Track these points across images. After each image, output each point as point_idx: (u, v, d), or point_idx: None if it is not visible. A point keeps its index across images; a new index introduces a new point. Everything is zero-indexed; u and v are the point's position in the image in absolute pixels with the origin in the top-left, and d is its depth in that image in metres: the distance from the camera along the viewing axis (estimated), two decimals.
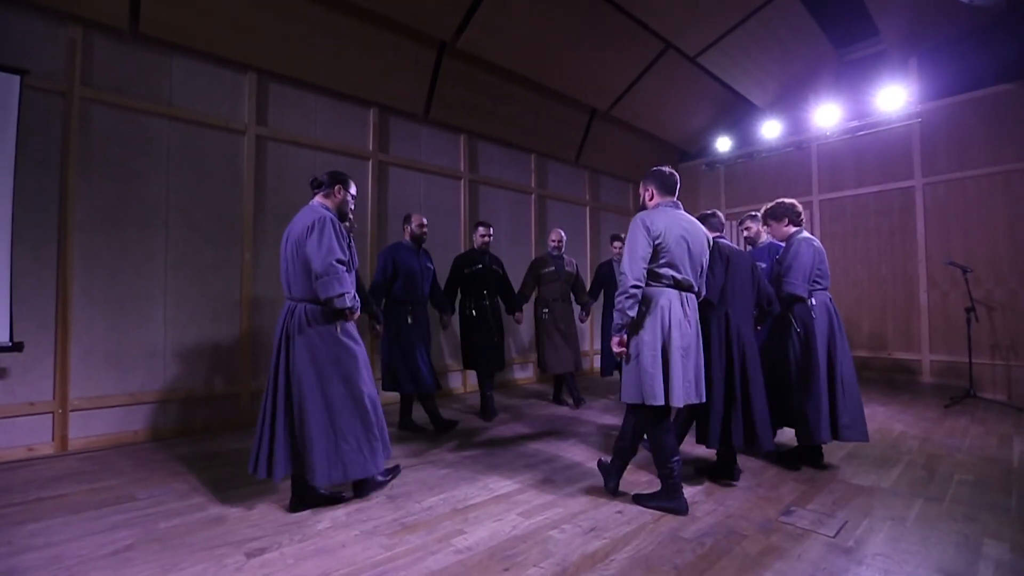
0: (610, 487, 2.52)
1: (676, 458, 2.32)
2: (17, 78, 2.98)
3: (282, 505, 2.36)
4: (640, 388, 2.25)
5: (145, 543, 2.00)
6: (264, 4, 3.88)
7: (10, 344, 2.95)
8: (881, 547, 1.96)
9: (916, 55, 5.90)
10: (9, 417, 3.10)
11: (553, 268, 4.57)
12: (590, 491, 2.57)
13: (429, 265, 3.78)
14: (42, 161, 3.25)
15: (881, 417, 4.13)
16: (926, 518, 2.22)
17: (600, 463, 2.67)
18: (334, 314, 2.29)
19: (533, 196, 6.35)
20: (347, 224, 2.61)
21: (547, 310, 4.51)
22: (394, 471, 2.72)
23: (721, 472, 2.75)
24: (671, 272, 2.29)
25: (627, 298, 2.23)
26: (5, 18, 3.13)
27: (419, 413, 4.02)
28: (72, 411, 3.29)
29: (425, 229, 3.76)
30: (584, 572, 1.79)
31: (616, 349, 2.33)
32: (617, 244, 4.94)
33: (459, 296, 4.23)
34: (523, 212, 6.26)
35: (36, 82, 3.17)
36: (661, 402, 2.22)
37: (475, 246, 4.29)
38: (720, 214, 3.00)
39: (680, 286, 2.32)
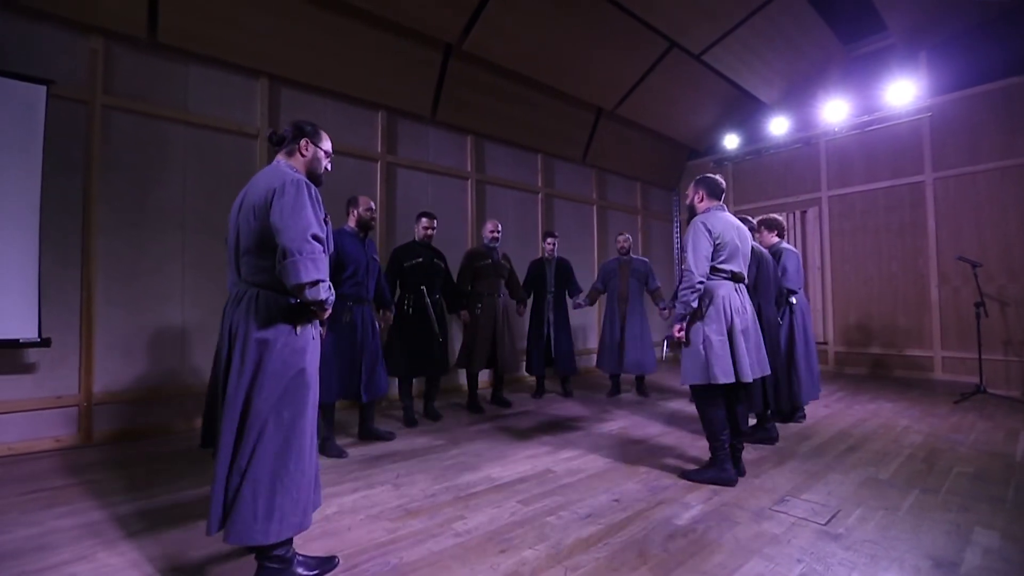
0: (723, 479, 2.57)
1: (726, 432, 2.59)
2: (44, 88, 3.15)
3: None
4: (708, 370, 2.51)
5: (166, 525, 2.12)
6: (275, 10, 4.01)
7: (39, 340, 3.12)
8: (871, 534, 2.00)
9: (925, 49, 5.85)
10: (39, 410, 3.27)
11: (490, 261, 4.35)
12: (589, 480, 2.64)
13: (375, 256, 3.39)
14: (67, 166, 3.41)
15: (887, 413, 4.12)
16: (920, 508, 2.25)
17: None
18: (299, 309, 1.70)
19: (540, 195, 6.42)
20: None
21: (480, 305, 4.26)
22: (330, 562, 1.79)
23: (759, 436, 3.24)
24: (729, 267, 2.61)
25: (692, 292, 2.53)
26: (32, 31, 3.30)
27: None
28: (96, 404, 3.45)
29: (374, 214, 3.37)
30: (578, 554, 1.87)
31: (676, 335, 2.63)
32: (550, 240, 4.90)
33: (397, 291, 3.95)
34: (530, 211, 6.33)
35: (61, 91, 3.33)
36: (730, 379, 2.49)
37: (416, 238, 4.00)
38: (751, 220, 3.51)
39: (735, 278, 2.64)
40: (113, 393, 3.52)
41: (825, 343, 6.65)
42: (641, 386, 5.06)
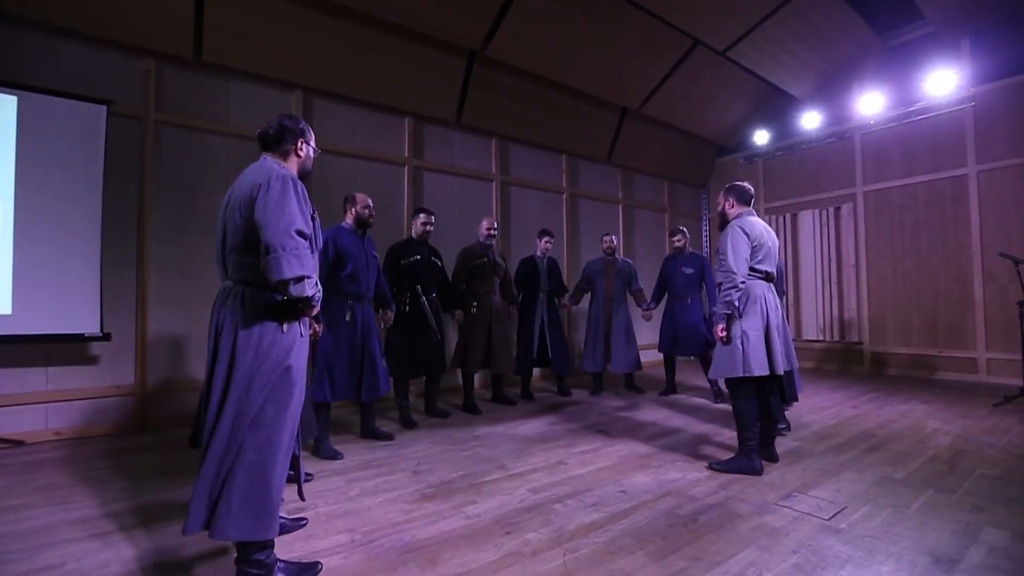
0: (750, 469, 2.69)
1: (757, 425, 2.73)
2: (104, 108, 3.49)
3: (324, 471, 2.68)
4: (745, 364, 2.65)
5: None
6: (308, 26, 4.26)
7: (101, 335, 3.46)
8: (874, 530, 2.01)
9: (969, 35, 5.60)
10: (101, 398, 3.62)
11: (485, 259, 4.27)
12: (599, 472, 2.73)
13: (374, 254, 3.31)
14: (124, 178, 3.75)
15: (918, 414, 4.01)
16: (932, 507, 2.23)
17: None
18: (285, 306, 1.69)
19: (564, 196, 6.50)
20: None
21: (476, 304, 4.22)
22: (312, 568, 1.75)
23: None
24: (764, 267, 2.78)
25: (736, 291, 2.69)
26: (95, 57, 3.66)
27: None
28: (149, 394, 3.78)
29: (372, 211, 3.25)
30: (578, 538, 1.97)
31: (720, 335, 2.73)
32: (547, 239, 4.79)
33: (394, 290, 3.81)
34: (554, 211, 6.42)
35: (119, 110, 3.67)
36: (765, 372, 2.65)
37: (413, 234, 3.90)
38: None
39: (769, 278, 2.82)
40: (164, 383, 3.85)
41: (860, 343, 6.45)
42: (631, 383, 5.13)
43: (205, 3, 3.82)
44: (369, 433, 3.43)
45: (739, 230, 2.77)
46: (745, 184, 2.94)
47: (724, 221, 2.94)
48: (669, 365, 4.99)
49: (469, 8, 4.57)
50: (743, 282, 2.69)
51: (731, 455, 2.86)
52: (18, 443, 3.28)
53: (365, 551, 1.88)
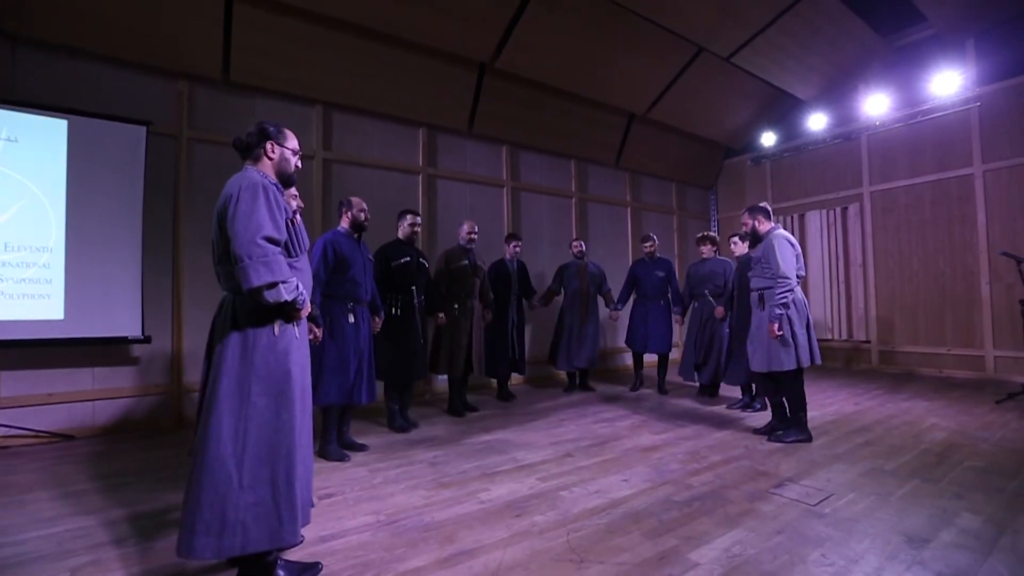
0: (805, 437, 3.27)
1: (806, 402, 3.29)
2: (144, 128, 3.77)
3: (348, 463, 2.91)
4: (796, 356, 3.15)
5: None
6: (327, 45, 4.52)
7: (142, 337, 3.74)
8: (855, 515, 2.17)
9: (972, 37, 5.66)
10: (141, 396, 3.91)
11: (466, 262, 4.23)
12: (604, 464, 2.92)
13: (370, 257, 3.31)
14: (161, 191, 4.04)
15: (918, 411, 4.12)
16: (914, 495, 2.38)
17: (774, 431, 3.44)
18: (272, 312, 1.68)
19: (574, 200, 6.68)
20: (296, 202, 2.33)
21: (457, 306, 4.16)
22: (312, 568, 1.75)
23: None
24: (801, 273, 3.29)
25: (791, 293, 3.16)
26: (134, 80, 3.96)
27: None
28: (185, 392, 4.06)
29: (367, 215, 3.26)
30: (581, 520, 2.17)
31: (777, 333, 3.14)
32: (515, 243, 4.88)
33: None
34: (564, 215, 6.61)
35: (156, 129, 3.96)
36: (808, 364, 3.18)
37: (401, 236, 3.78)
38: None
39: (800, 281, 3.27)
40: (197, 384, 4.11)
41: (867, 341, 6.52)
42: (585, 380, 5.41)
43: (233, 27, 4.10)
44: (344, 444, 3.22)
45: (786, 241, 3.25)
46: (765, 204, 3.50)
47: (756, 237, 3.43)
48: (639, 362, 5.37)
49: (479, 23, 4.79)
50: (793, 286, 3.14)
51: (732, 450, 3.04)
52: (69, 437, 3.58)
53: (390, 530, 2.10)
